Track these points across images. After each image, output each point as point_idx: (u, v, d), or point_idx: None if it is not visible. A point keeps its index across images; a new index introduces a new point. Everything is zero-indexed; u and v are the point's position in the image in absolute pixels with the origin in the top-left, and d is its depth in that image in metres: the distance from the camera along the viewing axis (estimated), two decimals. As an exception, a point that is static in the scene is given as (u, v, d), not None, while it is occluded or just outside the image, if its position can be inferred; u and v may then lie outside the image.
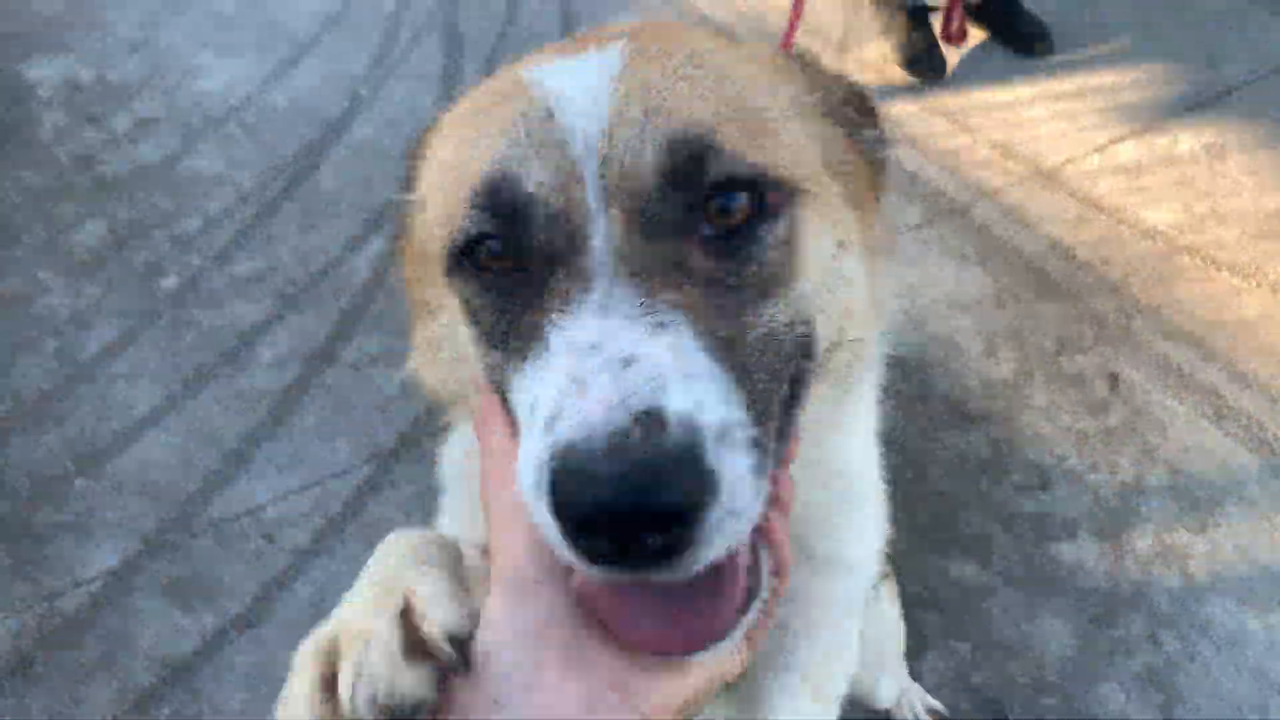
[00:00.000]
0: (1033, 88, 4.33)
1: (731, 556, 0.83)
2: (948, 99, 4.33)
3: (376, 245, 3.79)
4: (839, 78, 1.19)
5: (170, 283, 3.69)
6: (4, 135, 4.43)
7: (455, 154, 1.06)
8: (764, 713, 1.36)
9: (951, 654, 2.58)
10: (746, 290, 0.92)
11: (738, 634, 0.86)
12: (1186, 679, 2.50)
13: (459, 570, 1.00)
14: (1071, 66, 4.42)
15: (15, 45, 5.00)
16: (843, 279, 1.04)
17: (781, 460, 0.95)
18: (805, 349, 0.98)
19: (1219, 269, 3.45)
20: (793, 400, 0.97)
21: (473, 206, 0.96)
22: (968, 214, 3.75)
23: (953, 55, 4.46)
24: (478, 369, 1.02)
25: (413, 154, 1.24)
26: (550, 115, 0.95)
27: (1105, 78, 4.35)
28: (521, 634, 0.83)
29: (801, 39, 2.39)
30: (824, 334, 1.01)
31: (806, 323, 0.97)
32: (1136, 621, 2.60)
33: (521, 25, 4.95)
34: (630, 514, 0.71)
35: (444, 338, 1.11)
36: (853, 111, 1.16)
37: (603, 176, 0.91)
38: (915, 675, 2.51)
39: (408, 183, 1.23)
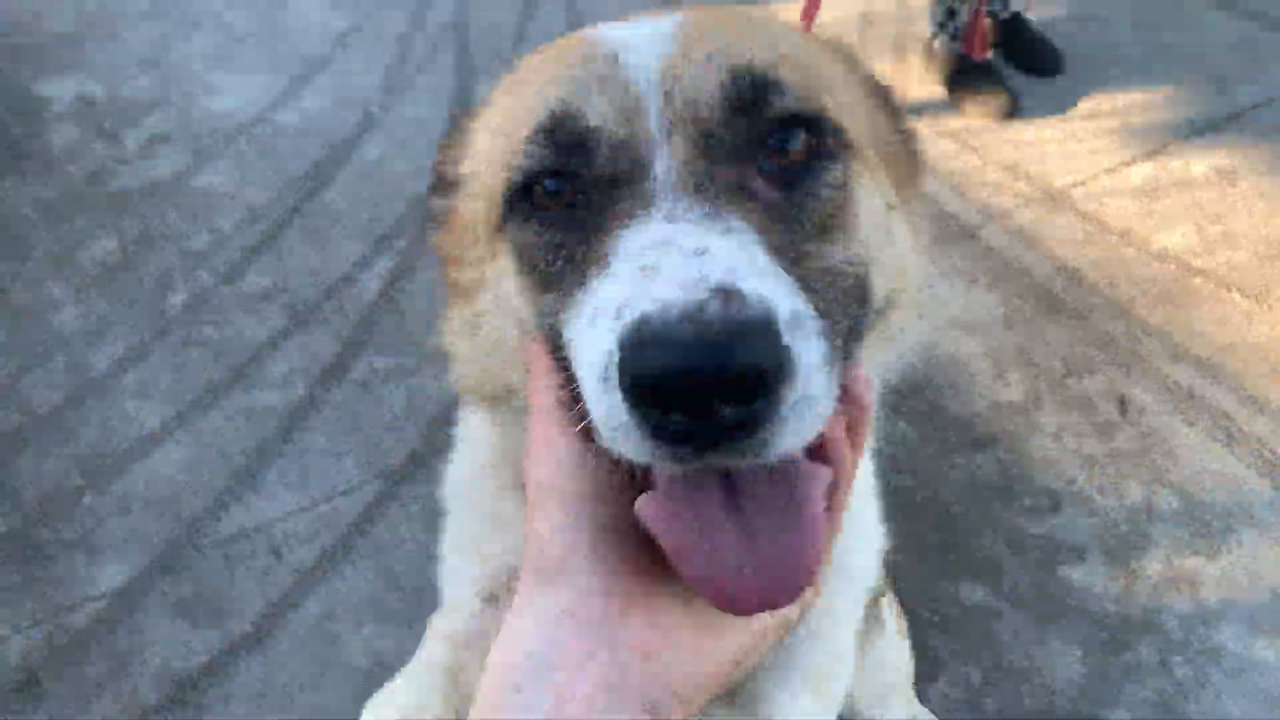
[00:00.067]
0: (1042, 109, 4.34)
1: (810, 489, 0.80)
2: (956, 120, 4.33)
3: (386, 263, 3.80)
4: (869, 71, 1.22)
5: (180, 299, 3.70)
6: (16, 150, 4.45)
7: (513, 104, 1.06)
8: (765, 714, 1.36)
9: (962, 679, 2.57)
10: (806, 225, 0.91)
11: (815, 579, 0.80)
12: (1197, 706, 2.48)
13: None
14: (1081, 88, 4.43)
15: (29, 61, 5.03)
16: (892, 240, 1.04)
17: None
18: (861, 296, 0.96)
19: (1230, 292, 3.45)
20: (849, 343, 0.94)
21: (533, 143, 0.95)
22: (977, 235, 3.75)
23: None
24: (528, 318, 0.99)
25: (456, 128, 1.22)
26: (614, 58, 0.96)
27: (1115, 100, 4.35)
28: (546, 617, 0.81)
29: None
30: (878, 287, 1.00)
31: (863, 268, 0.96)
32: (1147, 647, 2.59)
33: (533, 46, 4.96)
34: (708, 376, 0.67)
35: (487, 310, 1.09)
36: (884, 103, 1.19)
37: (666, 109, 0.90)
38: (925, 700, 2.50)
39: (445, 164, 1.21)
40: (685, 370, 0.67)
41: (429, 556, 1.53)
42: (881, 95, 1.19)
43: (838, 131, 0.98)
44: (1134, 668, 2.55)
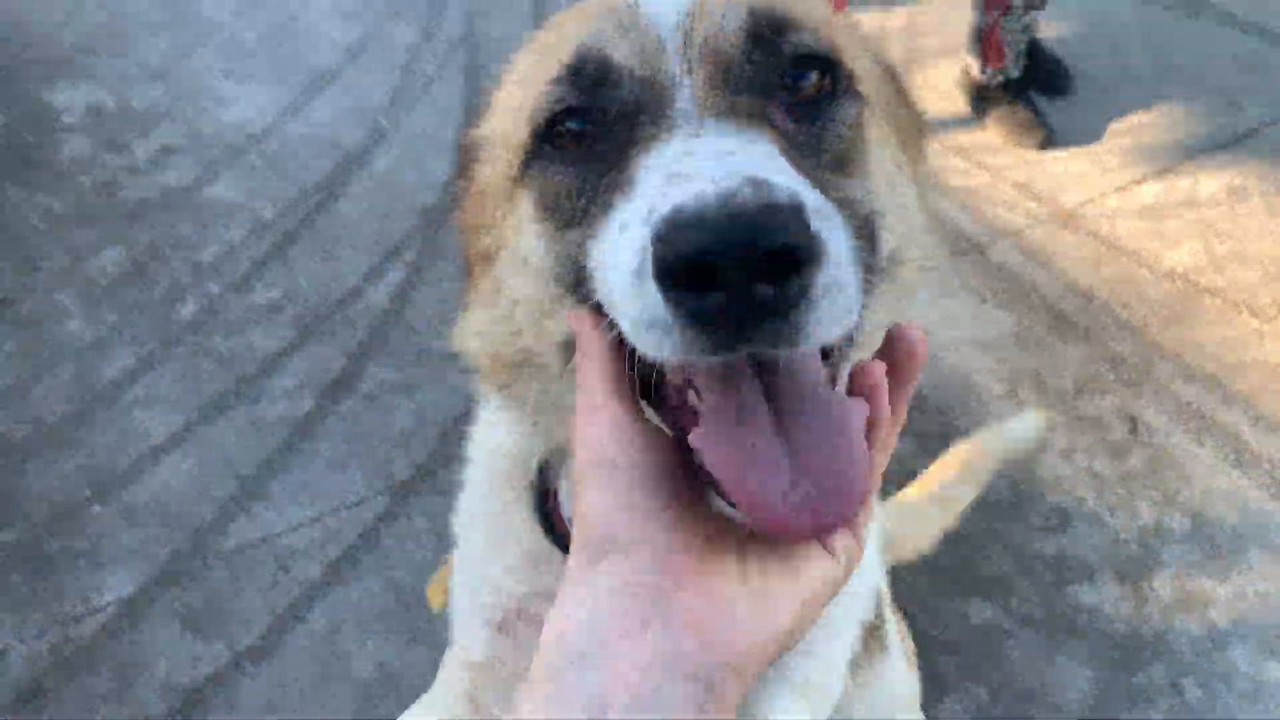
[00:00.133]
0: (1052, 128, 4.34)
1: (851, 419, 0.81)
2: (966, 138, 4.33)
3: (395, 276, 3.80)
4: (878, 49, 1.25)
5: (189, 310, 3.70)
6: (26, 160, 4.46)
7: (536, 59, 1.09)
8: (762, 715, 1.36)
9: (970, 698, 2.55)
10: (822, 156, 0.94)
11: (866, 511, 0.81)
12: (1209, 728, 2.46)
13: None
14: (1092, 107, 4.43)
15: (39, 71, 5.04)
16: (903, 197, 1.06)
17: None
18: (870, 235, 0.98)
19: (1240, 311, 3.44)
20: (866, 278, 0.94)
21: (557, 84, 0.98)
22: (987, 253, 3.74)
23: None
24: (549, 264, 1.00)
25: (484, 96, 1.25)
26: (635, 5, 0.99)
27: (1126, 119, 4.35)
28: (598, 591, 0.79)
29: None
30: (888, 237, 1.01)
31: (874, 212, 0.98)
32: (1158, 668, 2.57)
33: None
34: (744, 251, 0.68)
35: (506, 268, 1.09)
36: (892, 79, 1.22)
37: (687, 49, 0.93)
38: None
39: (469, 142, 1.23)
40: (722, 244, 0.68)
41: (435, 570, 1.53)
42: (890, 71, 1.22)
43: (850, 76, 1.01)
44: (1144, 689, 2.54)
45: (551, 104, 0.97)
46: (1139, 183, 4.01)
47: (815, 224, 0.72)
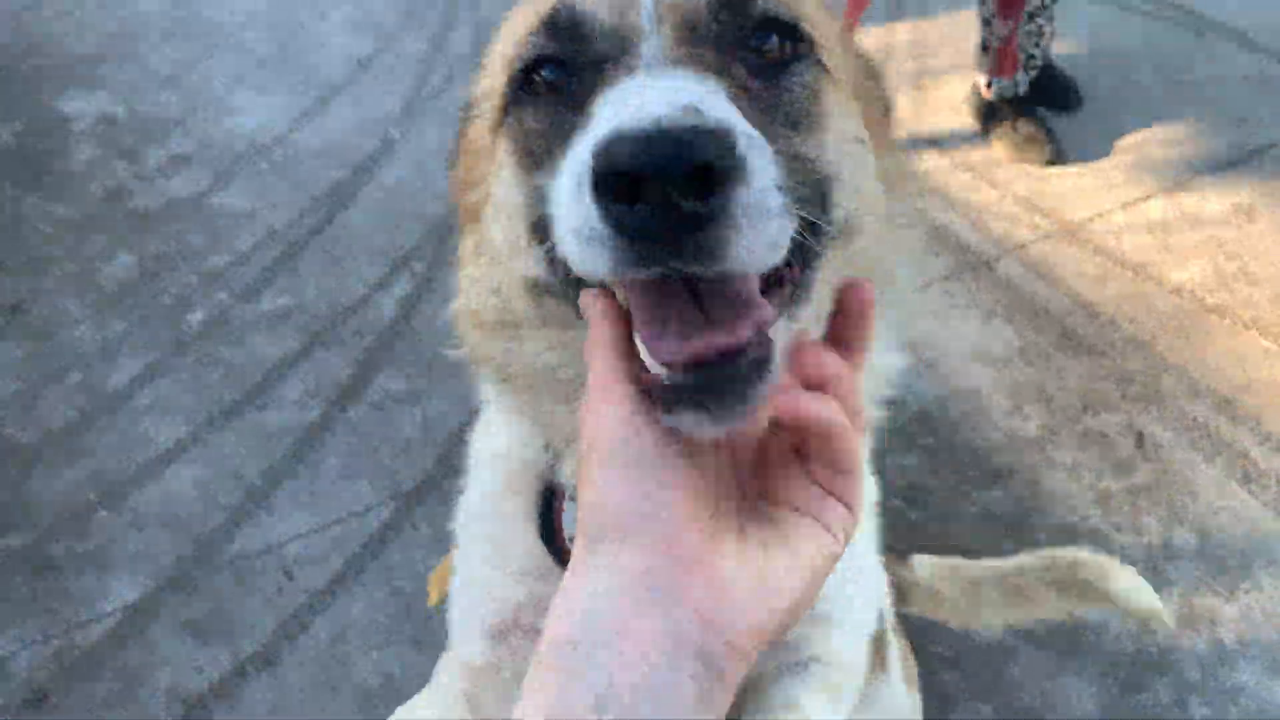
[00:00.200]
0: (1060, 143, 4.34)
1: (756, 295, 0.85)
2: (973, 153, 4.34)
3: (403, 286, 3.81)
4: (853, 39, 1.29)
5: (197, 318, 3.71)
6: (37, 167, 4.49)
7: (518, 19, 1.13)
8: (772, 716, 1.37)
9: (974, 717, 2.54)
10: (778, 113, 0.98)
11: (760, 373, 0.83)
12: (1215, 747, 2.45)
13: None
14: (1100, 124, 4.43)
15: (51, 79, 5.08)
16: (860, 164, 1.08)
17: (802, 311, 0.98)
18: (821, 196, 1.00)
19: (1247, 329, 3.44)
20: (811, 238, 0.95)
21: (535, 34, 1.03)
22: (993, 268, 3.75)
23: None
24: (520, 205, 1.04)
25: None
26: None
27: (1133, 135, 4.35)
28: (602, 576, 0.80)
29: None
30: (840, 201, 1.03)
31: (826, 176, 1.01)
32: (1164, 687, 2.56)
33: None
34: (668, 163, 0.72)
35: (490, 219, 1.13)
36: (865, 65, 1.27)
37: (657, 4, 0.98)
38: (937, 736, 2.48)
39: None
40: (648, 157, 0.73)
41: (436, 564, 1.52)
42: (861, 57, 1.26)
43: (813, 44, 1.04)
44: (1150, 708, 2.53)
45: (529, 53, 1.02)
46: (1146, 199, 4.01)
47: (742, 149, 0.76)
